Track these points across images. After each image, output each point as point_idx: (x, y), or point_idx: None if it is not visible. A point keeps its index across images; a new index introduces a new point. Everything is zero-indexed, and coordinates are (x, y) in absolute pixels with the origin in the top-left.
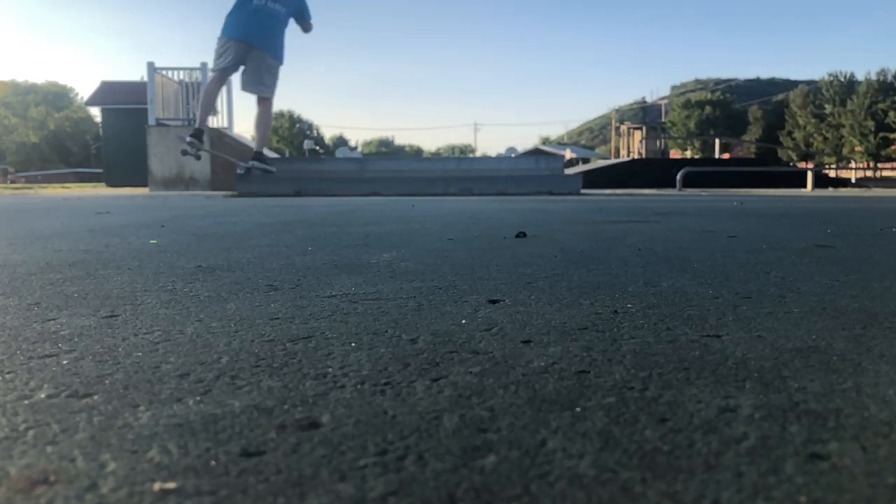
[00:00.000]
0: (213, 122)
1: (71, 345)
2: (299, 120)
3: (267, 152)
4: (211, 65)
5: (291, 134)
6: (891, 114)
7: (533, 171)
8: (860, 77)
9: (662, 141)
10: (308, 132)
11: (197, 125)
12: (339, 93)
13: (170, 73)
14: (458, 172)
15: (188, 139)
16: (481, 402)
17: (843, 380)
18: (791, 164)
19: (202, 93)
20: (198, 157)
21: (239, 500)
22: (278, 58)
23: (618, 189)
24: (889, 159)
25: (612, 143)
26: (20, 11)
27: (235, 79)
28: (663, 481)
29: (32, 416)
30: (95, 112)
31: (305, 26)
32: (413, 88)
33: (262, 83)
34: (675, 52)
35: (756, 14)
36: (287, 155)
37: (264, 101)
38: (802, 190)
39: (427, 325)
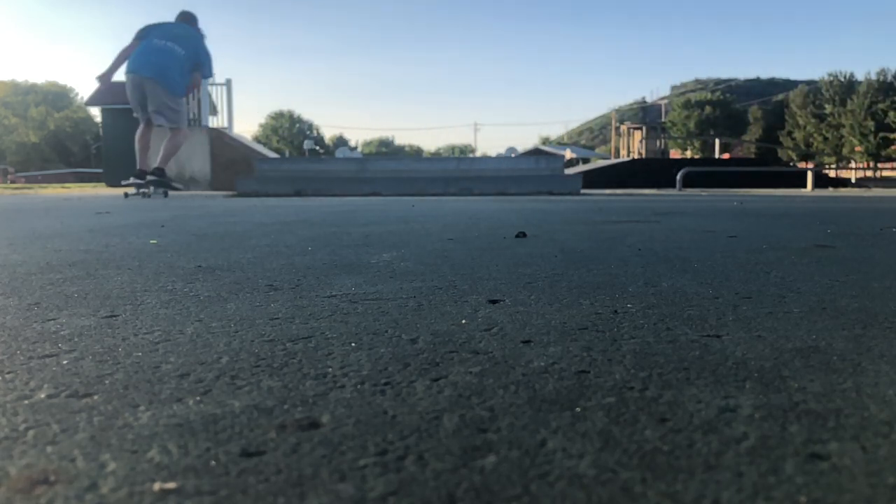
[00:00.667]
0: (213, 122)
1: (71, 345)
2: (299, 120)
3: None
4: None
5: (291, 134)
6: (891, 114)
7: (533, 171)
8: (860, 77)
9: (662, 141)
10: (308, 132)
11: (139, 167)
12: (339, 93)
13: None
14: (458, 172)
15: (132, 180)
16: (481, 402)
17: (843, 380)
18: (791, 164)
19: (136, 140)
20: (147, 196)
21: (239, 500)
22: (174, 91)
23: (618, 189)
24: (889, 159)
25: (612, 143)
26: (20, 11)
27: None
28: (663, 481)
29: (32, 416)
30: (95, 112)
31: (203, 73)
32: (413, 88)
33: (162, 115)
34: (675, 52)
35: (756, 14)
36: (287, 155)
37: (174, 130)
38: (802, 190)
39: (427, 325)
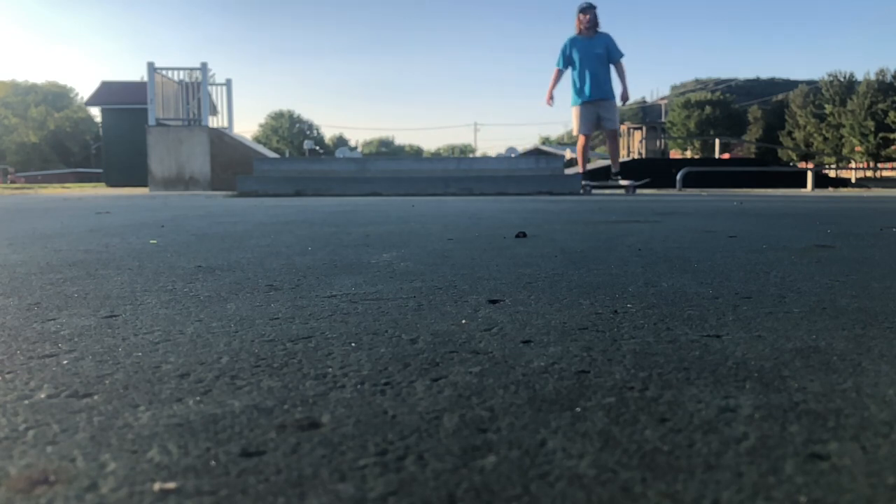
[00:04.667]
0: (213, 122)
1: (71, 345)
2: (299, 120)
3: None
4: (577, 129)
5: (291, 134)
6: (891, 114)
7: (533, 171)
8: (860, 77)
9: (662, 141)
10: (308, 132)
11: (582, 170)
12: (339, 93)
13: (170, 73)
14: (458, 172)
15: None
16: (481, 402)
17: (843, 380)
18: (791, 164)
19: (578, 152)
20: (589, 191)
21: (239, 500)
22: (612, 96)
23: (618, 189)
24: (889, 159)
25: None
26: (20, 11)
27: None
28: (663, 481)
29: (32, 416)
30: (95, 112)
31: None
32: (413, 88)
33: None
34: (675, 52)
35: (756, 14)
36: (287, 155)
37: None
38: (802, 190)
39: (427, 325)
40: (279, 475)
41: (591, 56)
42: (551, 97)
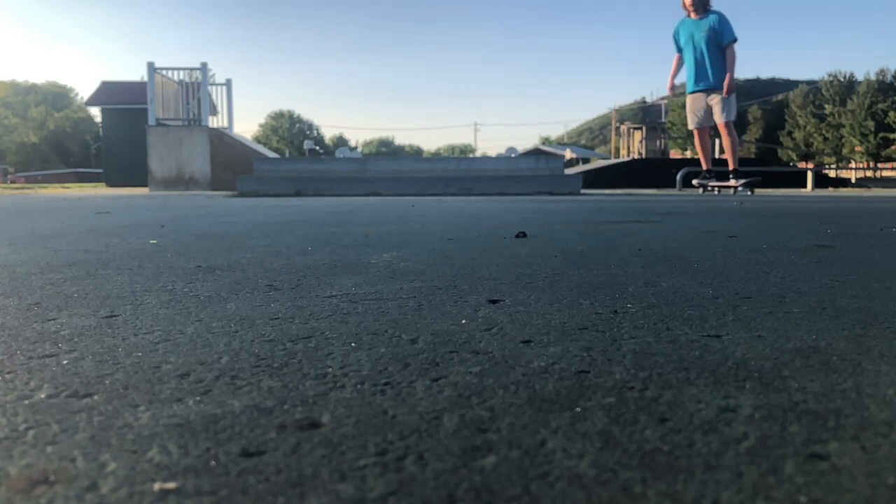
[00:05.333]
0: (213, 122)
1: (71, 345)
2: (299, 120)
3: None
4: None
5: (291, 134)
6: (891, 114)
7: (533, 171)
8: (860, 77)
9: (662, 141)
10: (308, 132)
11: (705, 168)
12: (339, 93)
13: (170, 74)
14: (458, 172)
15: (699, 182)
16: (481, 402)
17: (843, 380)
18: (791, 164)
19: (697, 148)
20: (710, 189)
21: (239, 500)
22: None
23: (618, 189)
24: (889, 159)
25: (612, 143)
26: (20, 11)
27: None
28: (663, 481)
29: (32, 416)
30: (95, 112)
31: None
32: (413, 88)
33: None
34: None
35: (756, 14)
36: (287, 155)
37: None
38: (802, 190)
39: (427, 325)
40: (279, 475)
41: (695, 40)
42: (672, 87)
